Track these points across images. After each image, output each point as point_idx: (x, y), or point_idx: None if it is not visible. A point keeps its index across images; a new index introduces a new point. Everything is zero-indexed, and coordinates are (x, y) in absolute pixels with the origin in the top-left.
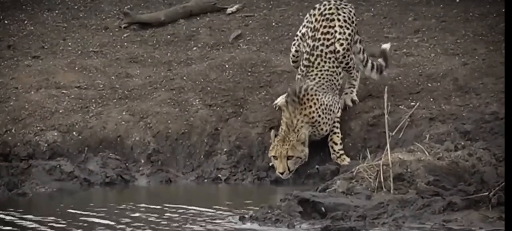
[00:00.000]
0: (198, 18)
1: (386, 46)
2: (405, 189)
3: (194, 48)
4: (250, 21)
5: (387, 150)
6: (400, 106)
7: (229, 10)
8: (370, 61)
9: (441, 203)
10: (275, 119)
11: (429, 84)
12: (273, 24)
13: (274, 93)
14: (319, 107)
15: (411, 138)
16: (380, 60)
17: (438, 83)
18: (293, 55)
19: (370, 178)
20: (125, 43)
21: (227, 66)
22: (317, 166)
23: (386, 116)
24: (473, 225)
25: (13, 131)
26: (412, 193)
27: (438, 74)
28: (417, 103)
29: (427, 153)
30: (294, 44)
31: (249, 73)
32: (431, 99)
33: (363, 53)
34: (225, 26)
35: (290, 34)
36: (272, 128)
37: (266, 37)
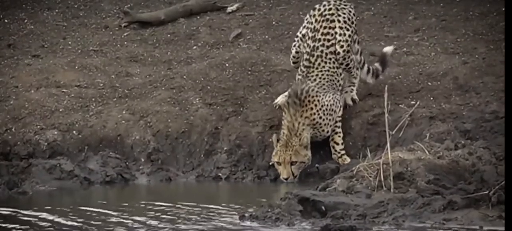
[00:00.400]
0: (198, 17)
1: (388, 49)
2: (405, 188)
3: (194, 47)
4: (250, 20)
5: (387, 148)
6: (400, 105)
7: (229, 9)
8: (366, 64)
9: (441, 202)
10: (275, 117)
11: (429, 83)
12: (273, 23)
13: (274, 92)
14: (320, 109)
15: (411, 136)
16: (377, 64)
17: (438, 82)
18: (294, 57)
19: (370, 176)
20: (125, 42)
21: (227, 65)
22: (317, 165)
23: (386, 115)
24: (473, 224)
25: (13, 129)
26: (412, 191)
27: (438, 73)
28: (417, 102)
29: (427, 152)
30: (294, 45)
31: (249, 72)
32: (431, 98)
33: (361, 55)
34: (225, 25)
35: (290, 33)
36: (272, 126)
37: (266, 36)
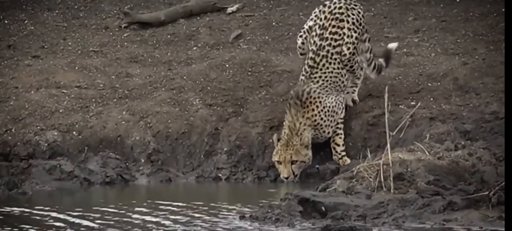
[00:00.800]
0: (198, 18)
1: (393, 45)
2: (405, 189)
3: (194, 48)
4: (250, 21)
5: (387, 149)
6: (400, 106)
7: (229, 10)
8: (374, 62)
9: (441, 203)
10: (275, 118)
11: (429, 84)
12: (273, 24)
13: (274, 93)
14: (322, 110)
15: (411, 137)
16: (381, 60)
17: (438, 83)
18: (300, 47)
19: (370, 177)
20: (125, 43)
21: (227, 66)
22: (317, 166)
23: (386, 116)
24: (473, 225)
25: (13, 130)
26: (412, 192)
27: (438, 74)
28: (418, 103)
29: (427, 153)
30: (300, 36)
31: (249, 73)
32: (431, 99)
33: (370, 52)
34: (225, 25)
35: (290, 34)
36: (272, 127)
37: (266, 37)
